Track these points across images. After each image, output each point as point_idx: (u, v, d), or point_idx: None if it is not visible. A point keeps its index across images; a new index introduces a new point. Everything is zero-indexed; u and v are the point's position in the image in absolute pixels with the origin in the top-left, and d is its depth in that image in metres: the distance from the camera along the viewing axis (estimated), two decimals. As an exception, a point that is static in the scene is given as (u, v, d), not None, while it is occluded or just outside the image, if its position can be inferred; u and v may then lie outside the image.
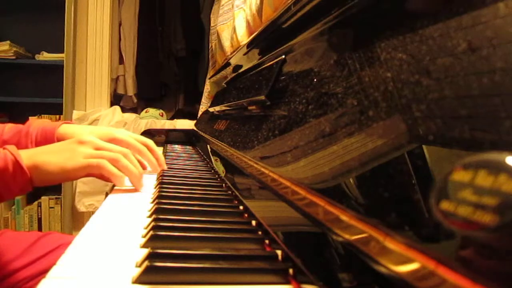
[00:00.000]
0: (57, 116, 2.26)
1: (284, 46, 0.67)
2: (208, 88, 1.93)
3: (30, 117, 2.27)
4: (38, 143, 0.71)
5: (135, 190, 0.65)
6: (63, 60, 2.06)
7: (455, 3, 0.26)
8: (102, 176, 0.63)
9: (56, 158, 0.58)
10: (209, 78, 1.86)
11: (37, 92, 2.36)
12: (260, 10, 0.93)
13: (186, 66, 2.55)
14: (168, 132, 1.49)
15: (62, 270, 0.32)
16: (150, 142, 0.78)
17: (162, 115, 2.33)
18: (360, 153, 0.30)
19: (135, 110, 2.53)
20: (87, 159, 0.59)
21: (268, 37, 0.79)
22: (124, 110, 2.34)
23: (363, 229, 0.25)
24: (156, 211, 0.49)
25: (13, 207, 2.20)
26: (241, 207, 0.53)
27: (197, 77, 2.53)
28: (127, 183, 0.66)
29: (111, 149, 0.63)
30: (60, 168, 0.57)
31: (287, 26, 0.66)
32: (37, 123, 0.79)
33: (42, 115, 2.27)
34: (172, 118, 2.44)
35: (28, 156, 0.57)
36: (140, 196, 0.61)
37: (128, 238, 0.41)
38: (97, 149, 0.62)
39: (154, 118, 2.23)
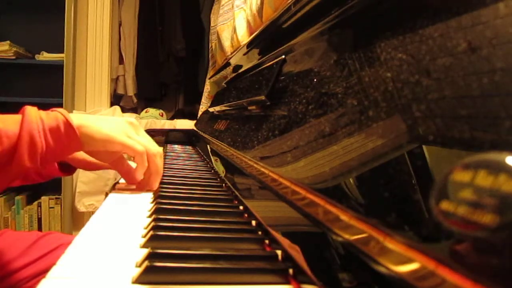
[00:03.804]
0: (57, 116, 2.26)
1: (284, 46, 0.67)
2: (208, 88, 1.93)
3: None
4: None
5: (135, 190, 0.65)
6: (63, 60, 2.06)
7: (455, 3, 0.26)
8: (122, 167, 0.64)
9: (103, 126, 0.58)
10: (209, 78, 1.86)
11: (37, 92, 2.36)
12: (260, 10, 0.93)
13: (186, 66, 2.55)
14: (168, 132, 1.49)
15: (62, 270, 0.32)
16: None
17: (162, 115, 2.33)
18: (360, 153, 0.30)
19: (135, 110, 2.53)
20: (130, 139, 0.60)
21: (268, 37, 0.79)
22: (124, 110, 2.34)
23: (363, 229, 0.25)
24: (156, 211, 0.49)
25: (13, 207, 2.20)
26: (241, 207, 0.53)
27: (197, 77, 2.53)
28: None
29: (148, 143, 0.64)
30: (106, 135, 0.58)
31: (287, 26, 0.66)
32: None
33: (42, 115, 2.27)
34: (172, 118, 2.44)
35: (77, 117, 0.57)
36: (140, 196, 0.61)
37: (128, 238, 0.41)
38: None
39: (154, 118, 2.23)
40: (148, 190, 0.65)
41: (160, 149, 0.66)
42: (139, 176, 0.63)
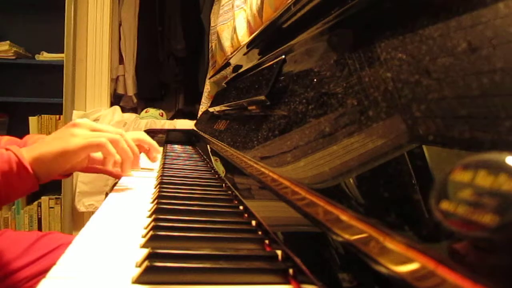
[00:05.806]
0: (57, 116, 2.26)
1: (284, 46, 0.67)
2: (208, 88, 1.93)
3: (30, 118, 2.27)
4: None
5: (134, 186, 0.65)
6: (63, 60, 2.06)
7: (455, 3, 0.26)
8: (93, 163, 0.64)
9: (55, 145, 0.58)
10: (209, 78, 1.86)
11: (37, 92, 2.36)
12: (260, 10, 0.93)
13: (186, 66, 2.54)
14: (168, 132, 1.49)
15: (62, 270, 0.32)
16: (143, 135, 0.80)
17: (162, 115, 2.33)
18: (360, 153, 0.30)
19: (135, 110, 2.53)
20: (87, 139, 0.60)
21: (268, 37, 0.79)
22: (124, 110, 2.34)
23: (363, 229, 0.25)
24: (156, 211, 0.49)
25: (13, 207, 2.20)
26: (241, 207, 0.53)
27: (197, 77, 2.53)
28: (126, 183, 0.66)
29: (107, 131, 0.64)
30: (62, 152, 0.57)
31: (287, 26, 0.66)
32: (33, 140, 0.79)
33: (42, 115, 2.27)
34: (172, 118, 2.44)
35: (28, 151, 0.57)
36: (140, 196, 0.61)
37: (128, 238, 0.41)
38: (93, 130, 0.63)
39: (154, 118, 2.23)
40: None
41: (121, 133, 0.66)
42: (110, 166, 0.63)
